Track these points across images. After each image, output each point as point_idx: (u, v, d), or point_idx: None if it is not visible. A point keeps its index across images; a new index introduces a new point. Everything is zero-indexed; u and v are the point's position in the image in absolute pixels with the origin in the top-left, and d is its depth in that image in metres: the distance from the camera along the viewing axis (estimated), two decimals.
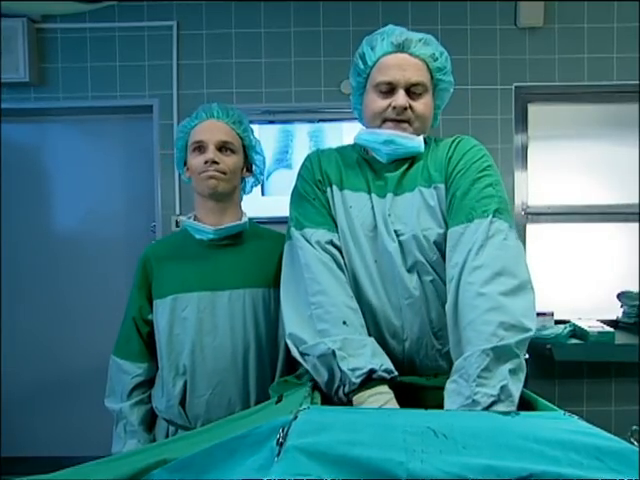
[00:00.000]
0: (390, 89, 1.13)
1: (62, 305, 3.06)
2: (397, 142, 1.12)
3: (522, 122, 2.91)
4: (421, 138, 1.16)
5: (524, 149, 2.91)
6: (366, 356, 0.97)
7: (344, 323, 1.01)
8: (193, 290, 1.34)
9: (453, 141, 1.18)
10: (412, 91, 1.12)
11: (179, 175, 2.87)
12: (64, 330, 3.05)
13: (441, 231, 1.09)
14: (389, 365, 0.99)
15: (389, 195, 1.13)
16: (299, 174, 1.24)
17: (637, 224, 2.90)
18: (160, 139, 2.91)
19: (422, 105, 1.14)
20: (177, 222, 2.89)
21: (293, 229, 1.15)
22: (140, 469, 0.80)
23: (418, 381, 1.07)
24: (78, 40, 2.90)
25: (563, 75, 2.86)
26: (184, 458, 0.77)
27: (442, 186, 1.11)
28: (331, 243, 1.11)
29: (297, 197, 1.21)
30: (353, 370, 0.95)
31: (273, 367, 1.38)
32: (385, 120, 1.14)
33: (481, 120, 2.87)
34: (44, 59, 2.91)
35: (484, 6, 2.86)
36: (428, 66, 1.14)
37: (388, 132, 1.13)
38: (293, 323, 1.05)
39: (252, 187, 1.53)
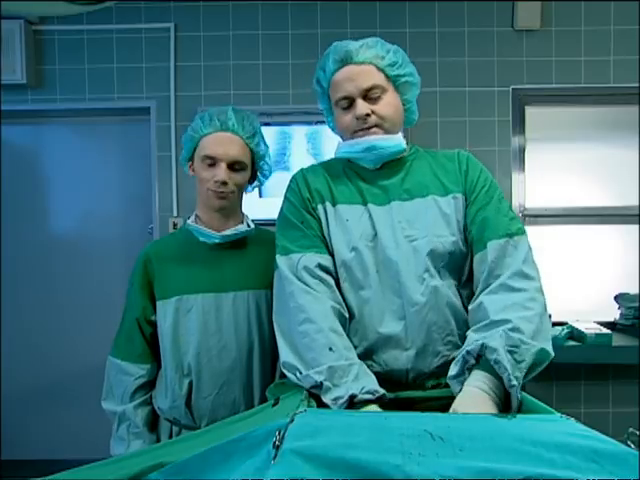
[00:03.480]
0: (349, 103, 1.15)
1: (59, 307, 3.05)
2: (378, 146, 1.14)
3: (519, 124, 2.91)
4: (400, 136, 1.17)
5: (521, 151, 2.91)
6: (348, 382, 0.98)
7: (330, 349, 1.02)
8: (197, 292, 1.34)
9: (459, 154, 1.21)
10: (369, 96, 1.14)
11: (177, 177, 2.88)
12: (61, 332, 3.04)
13: (454, 239, 1.11)
14: (372, 386, 0.99)
15: (394, 203, 1.14)
16: (285, 197, 1.23)
17: (634, 226, 2.90)
18: (157, 141, 2.91)
19: (384, 106, 1.15)
20: (175, 224, 2.88)
21: (278, 255, 1.15)
22: (137, 472, 0.80)
23: (415, 395, 1.07)
24: (75, 42, 2.89)
25: (560, 77, 2.87)
26: (180, 462, 0.77)
27: (460, 196, 1.14)
28: (319, 266, 1.11)
29: (283, 222, 1.20)
30: (335, 400, 0.96)
31: (275, 366, 1.39)
32: (354, 132, 1.16)
33: (478, 122, 2.87)
34: (41, 61, 2.90)
35: (481, 8, 2.86)
36: (378, 67, 1.15)
37: (366, 139, 1.14)
38: (286, 353, 1.07)
39: (253, 188, 1.53)
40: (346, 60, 1.14)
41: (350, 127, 1.16)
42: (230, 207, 1.40)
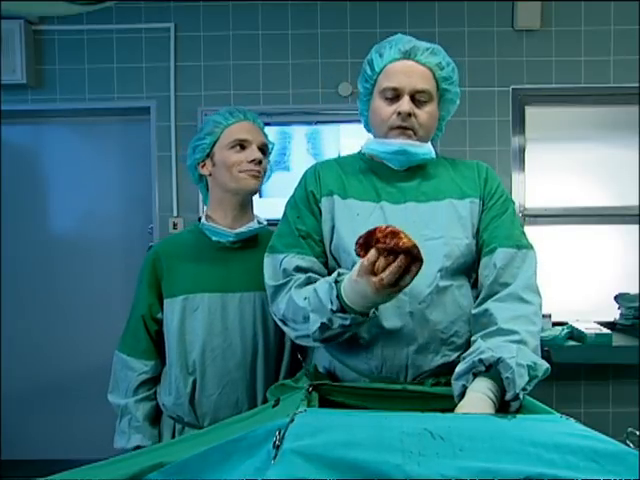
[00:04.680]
0: (395, 95, 1.14)
1: (59, 307, 3.05)
2: (409, 152, 1.14)
3: (519, 124, 2.91)
4: (430, 145, 1.18)
5: (521, 151, 2.91)
6: (326, 300, 1.00)
7: (305, 299, 1.05)
8: (204, 291, 1.36)
9: (478, 164, 1.23)
10: (417, 98, 1.14)
11: (177, 177, 2.88)
12: (61, 332, 3.04)
13: (467, 242, 1.13)
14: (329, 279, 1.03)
15: (410, 203, 1.15)
16: (293, 193, 1.25)
17: (634, 226, 2.90)
18: (157, 141, 2.91)
19: (426, 114, 1.15)
20: (175, 224, 2.88)
21: (266, 254, 1.19)
22: (136, 472, 0.80)
23: (422, 389, 1.07)
24: (75, 42, 2.89)
25: (560, 77, 2.87)
26: (180, 461, 0.77)
27: (477, 201, 1.17)
28: (297, 268, 1.12)
29: (282, 217, 1.23)
30: (342, 323, 1.00)
31: (278, 368, 1.41)
32: (391, 128, 1.15)
33: (478, 122, 2.87)
34: (41, 61, 2.90)
35: (481, 8, 2.86)
36: (435, 75, 1.15)
37: (398, 142, 1.14)
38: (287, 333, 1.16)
39: None
40: (409, 55, 1.14)
41: (389, 121, 1.15)
42: (248, 203, 1.44)
